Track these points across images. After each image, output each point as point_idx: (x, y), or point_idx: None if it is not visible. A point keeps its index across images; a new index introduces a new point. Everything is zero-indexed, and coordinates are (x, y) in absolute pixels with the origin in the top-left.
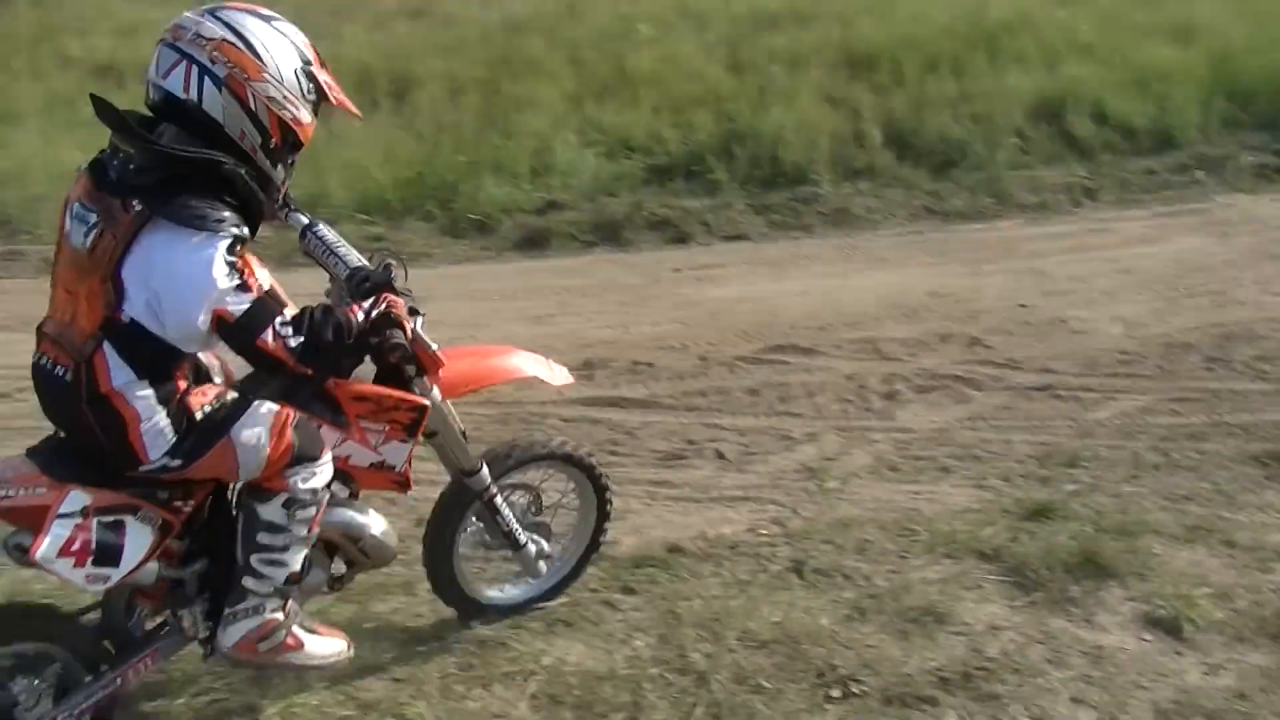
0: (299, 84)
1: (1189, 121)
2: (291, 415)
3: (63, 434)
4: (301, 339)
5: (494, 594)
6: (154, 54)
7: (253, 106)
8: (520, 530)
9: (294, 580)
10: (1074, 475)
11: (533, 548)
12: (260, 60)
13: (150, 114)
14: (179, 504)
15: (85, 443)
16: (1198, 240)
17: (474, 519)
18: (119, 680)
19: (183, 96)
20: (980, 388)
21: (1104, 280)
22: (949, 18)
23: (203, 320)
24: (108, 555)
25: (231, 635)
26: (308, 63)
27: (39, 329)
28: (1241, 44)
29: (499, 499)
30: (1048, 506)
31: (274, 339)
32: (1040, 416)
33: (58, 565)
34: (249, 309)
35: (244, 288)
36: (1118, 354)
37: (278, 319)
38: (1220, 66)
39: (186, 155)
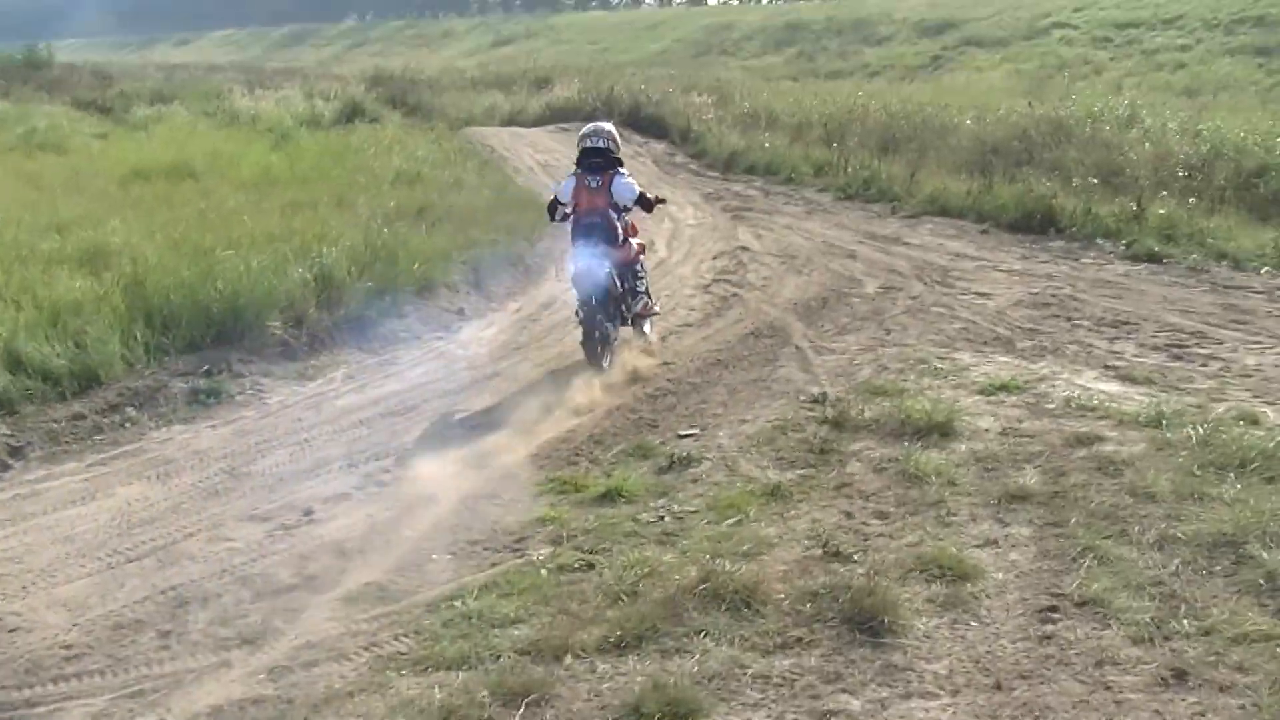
0: None
1: (112, 356)
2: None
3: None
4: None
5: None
6: (590, 135)
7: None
8: None
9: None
10: None
11: None
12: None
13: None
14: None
15: (603, 235)
16: (138, 488)
17: None
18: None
19: (603, 146)
20: None
21: (43, 556)
22: None
23: (632, 197)
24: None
25: (634, 306)
26: None
27: (575, 208)
28: (156, 265)
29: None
30: None
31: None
32: None
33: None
34: (640, 193)
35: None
36: (62, 651)
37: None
38: (137, 292)
39: (615, 157)
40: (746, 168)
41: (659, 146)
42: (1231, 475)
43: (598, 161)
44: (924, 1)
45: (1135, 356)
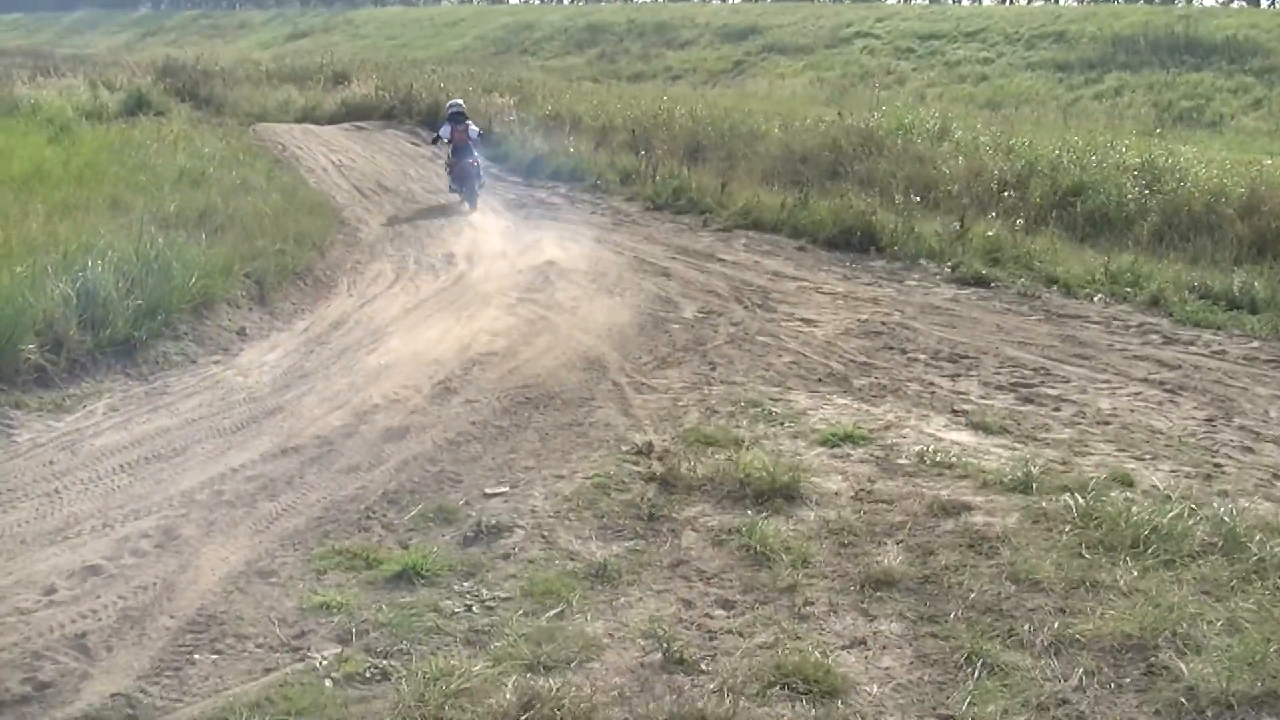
0: None
1: None
2: None
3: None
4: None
5: None
6: (452, 105)
7: None
8: None
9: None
10: None
11: None
12: None
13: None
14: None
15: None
16: None
17: None
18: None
19: (462, 109)
20: None
21: None
22: None
23: (478, 133)
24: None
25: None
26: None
27: (453, 139)
28: None
29: None
30: None
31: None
32: None
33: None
34: (479, 131)
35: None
36: None
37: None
38: None
39: (464, 113)
40: (550, 173)
41: None
42: (1125, 558)
43: (460, 115)
44: (727, 7)
45: (982, 398)
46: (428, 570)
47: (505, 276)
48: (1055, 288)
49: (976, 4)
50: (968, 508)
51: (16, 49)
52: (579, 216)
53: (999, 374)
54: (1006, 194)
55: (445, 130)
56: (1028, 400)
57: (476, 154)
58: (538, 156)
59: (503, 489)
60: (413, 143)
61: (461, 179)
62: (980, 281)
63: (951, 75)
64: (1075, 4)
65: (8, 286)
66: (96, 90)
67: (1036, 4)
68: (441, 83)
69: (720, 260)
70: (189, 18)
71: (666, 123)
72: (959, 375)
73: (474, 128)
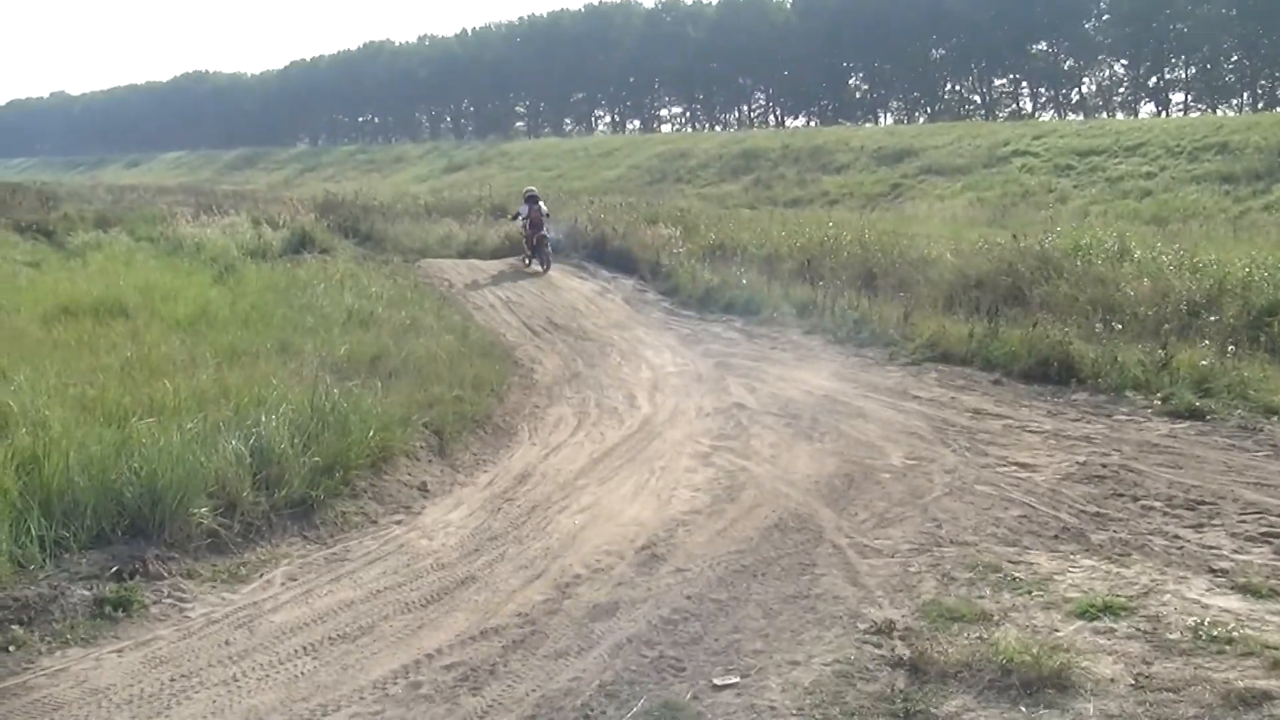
0: None
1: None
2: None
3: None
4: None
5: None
6: (529, 190)
7: None
8: None
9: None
10: None
11: None
12: None
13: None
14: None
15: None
16: None
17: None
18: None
19: (537, 194)
20: None
21: None
22: None
23: (546, 212)
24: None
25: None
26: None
27: (530, 217)
28: (60, 436)
29: None
30: None
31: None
32: None
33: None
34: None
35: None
36: None
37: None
38: (34, 472)
39: (538, 196)
40: (724, 306)
41: (628, 282)
42: None
43: (534, 197)
44: (881, 129)
45: (1237, 553)
46: None
47: (693, 421)
48: (1275, 418)
49: (1134, 118)
50: (1268, 697)
51: (179, 186)
52: (759, 352)
53: (1244, 522)
54: (1199, 315)
55: (524, 209)
56: None
57: (549, 227)
58: (709, 289)
59: (733, 679)
60: (580, 277)
61: (538, 249)
62: (1194, 414)
63: (1114, 191)
64: (1236, 114)
65: (179, 445)
66: (259, 228)
67: (1196, 115)
68: (601, 213)
69: (915, 397)
70: (346, 153)
71: (834, 250)
72: (1202, 525)
73: (544, 206)
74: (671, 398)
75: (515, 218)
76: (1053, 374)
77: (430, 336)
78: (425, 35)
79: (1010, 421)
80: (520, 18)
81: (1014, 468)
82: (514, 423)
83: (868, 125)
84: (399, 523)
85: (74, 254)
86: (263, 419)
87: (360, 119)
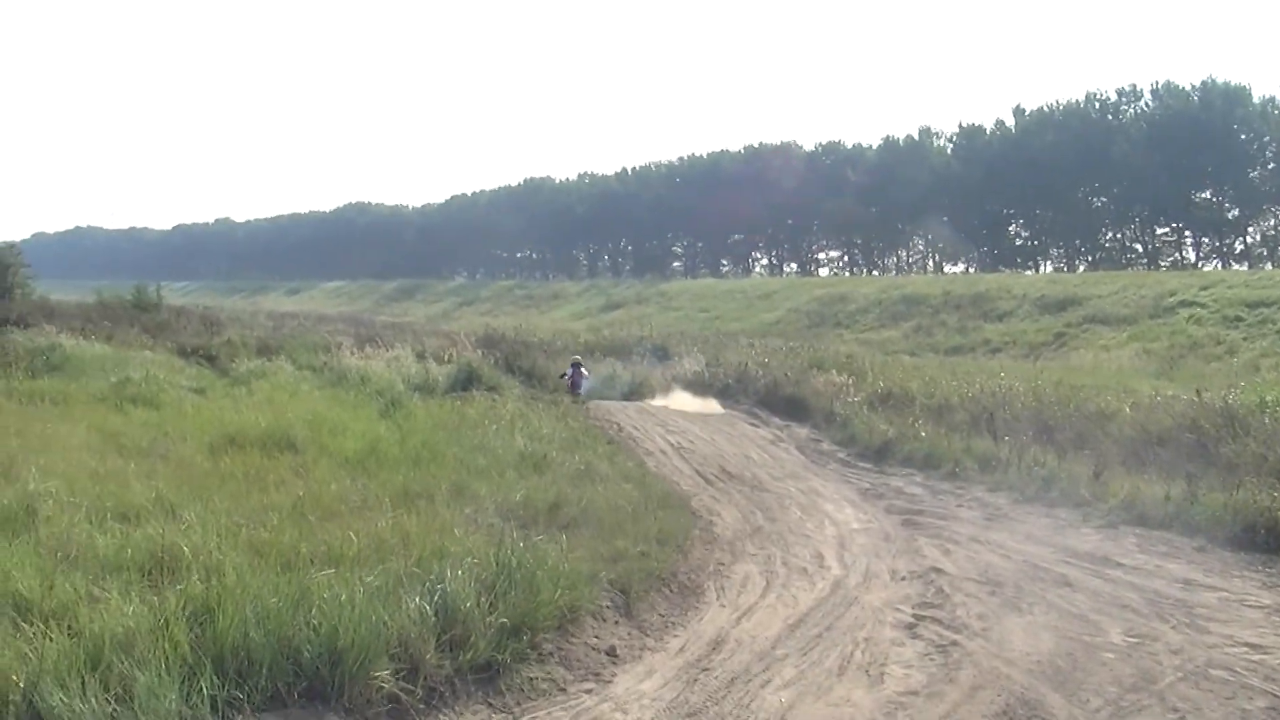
0: None
1: (168, 716)
2: None
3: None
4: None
5: None
6: (574, 357)
7: None
8: None
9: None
10: None
11: None
12: None
13: None
14: None
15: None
16: None
17: None
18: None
19: (580, 361)
20: None
21: None
22: None
23: (588, 373)
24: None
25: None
26: None
27: (574, 376)
28: (234, 584)
29: None
30: None
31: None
32: None
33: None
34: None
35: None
36: None
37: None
38: (207, 623)
39: (580, 362)
40: (902, 458)
41: (801, 431)
42: None
43: (578, 364)
44: (1043, 277)
45: None
46: None
47: (889, 585)
48: None
49: None
50: None
51: (339, 315)
52: (945, 509)
53: None
54: None
55: (570, 371)
56: None
57: (584, 383)
58: (885, 441)
59: None
60: (750, 423)
61: (574, 389)
62: None
63: None
64: None
65: (361, 602)
66: (424, 361)
67: None
68: (765, 358)
69: (1119, 565)
70: (504, 288)
71: (1008, 400)
72: None
73: (585, 370)
74: (862, 558)
75: (563, 376)
76: (1260, 541)
77: (607, 485)
78: (585, 173)
79: (1225, 594)
80: (680, 157)
81: (1244, 649)
82: (700, 580)
83: (1028, 272)
84: (589, 692)
85: (238, 381)
86: (446, 573)
87: (518, 254)
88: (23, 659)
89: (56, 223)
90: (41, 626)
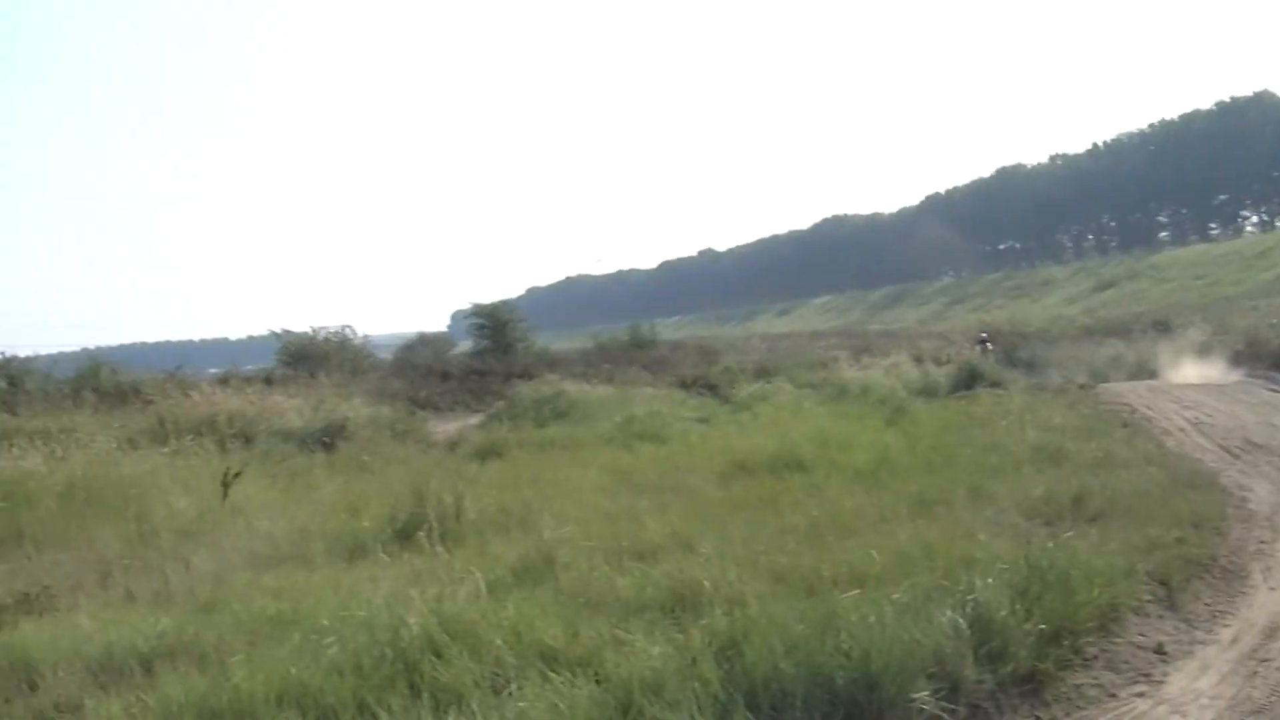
0: None
1: None
2: None
3: None
4: None
5: None
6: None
7: None
8: None
9: None
10: None
11: None
12: None
13: None
14: None
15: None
16: None
17: None
18: None
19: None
20: None
21: None
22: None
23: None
24: None
25: None
26: None
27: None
28: (757, 615)
29: None
30: None
31: None
32: None
33: None
34: None
35: None
36: None
37: None
38: (734, 658)
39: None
40: None
41: None
42: None
43: (984, 337)
44: None
45: None
46: None
47: None
48: None
49: None
50: None
51: (831, 330)
52: None
53: None
54: None
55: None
56: None
57: (989, 354)
58: None
59: None
60: (1271, 389)
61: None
62: None
63: None
64: None
65: (891, 621)
66: (923, 365)
67: None
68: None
69: None
70: (992, 281)
71: None
72: None
73: (989, 345)
74: None
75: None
76: None
77: (1128, 470)
78: (1057, 155)
79: None
80: (1150, 124)
81: None
82: (1242, 562)
83: None
84: (1141, 695)
85: (740, 407)
86: (975, 582)
87: (1000, 246)
88: (553, 710)
89: (548, 275)
90: (569, 675)
